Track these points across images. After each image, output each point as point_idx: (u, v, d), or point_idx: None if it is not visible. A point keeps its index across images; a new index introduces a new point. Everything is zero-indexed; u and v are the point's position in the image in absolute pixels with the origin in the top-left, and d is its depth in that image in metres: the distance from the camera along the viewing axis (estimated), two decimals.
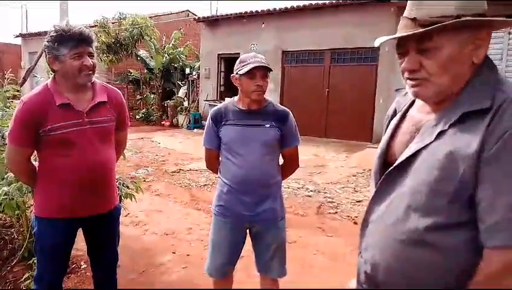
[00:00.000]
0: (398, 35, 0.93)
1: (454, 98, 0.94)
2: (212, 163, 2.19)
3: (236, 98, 2.07)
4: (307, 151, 8.04)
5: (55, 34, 1.71)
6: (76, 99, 1.81)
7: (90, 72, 1.79)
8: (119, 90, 2.06)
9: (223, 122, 2.02)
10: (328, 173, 6.63)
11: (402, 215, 0.96)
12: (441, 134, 0.92)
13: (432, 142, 0.93)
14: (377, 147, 1.18)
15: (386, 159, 1.11)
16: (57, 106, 1.75)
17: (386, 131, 1.17)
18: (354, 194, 5.40)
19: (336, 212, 4.65)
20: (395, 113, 1.18)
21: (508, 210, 0.81)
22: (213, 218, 2.13)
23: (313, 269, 3.13)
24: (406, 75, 0.98)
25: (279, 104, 2.13)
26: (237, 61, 1.98)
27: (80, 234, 1.99)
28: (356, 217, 4.39)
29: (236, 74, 1.95)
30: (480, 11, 0.90)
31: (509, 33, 7.26)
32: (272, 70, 1.97)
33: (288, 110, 2.07)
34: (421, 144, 0.95)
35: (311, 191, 5.50)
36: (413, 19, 0.92)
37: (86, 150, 1.80)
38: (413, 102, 1.11)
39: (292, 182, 5.85)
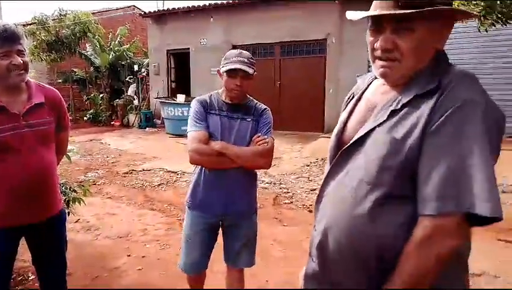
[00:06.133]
0: (383, 12, 0.95)
1: (409, 80, 0.99)
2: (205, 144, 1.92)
3: (220, 90, 2.06)
4: None
5: None
6: (10, 101, 1.70)
7: (22, 71, 1.68)
8: (56, 89, 1.96)
9: (208, 110, 1.99)
10: (283, 164, 6.74)
11: (355, 187, 1.01)
12: (393, 113, 0.98)
13: (385, 120, 0.99)
14: (329, 137, 1.22)
15: (341, 137, 1.16)
16: None
17: (343, 112, 1.22)
18: (308, 183, 5.54)
19: (291, 202, 4.75)
20: (353, 96, 1.23)
21: (440, 181, 0.87)
22: (187, 213, 2.09)
23: (270, 259, 3.17)
24: (378, 53, 1.01)
25: (259, 102, 2.14)
26: (224, 57, 1.95)
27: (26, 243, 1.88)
28: (311, 205, 4.50)
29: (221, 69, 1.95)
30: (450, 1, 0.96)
31: None
32: (251, 77, 1.94)
33: (267, 106, 2.13)
34: (375, 122, 1.01)
35: (267, 183, 5.57)
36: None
37: (24, 154, 1.70)
38: (368, 86, 1.17)
39: None
